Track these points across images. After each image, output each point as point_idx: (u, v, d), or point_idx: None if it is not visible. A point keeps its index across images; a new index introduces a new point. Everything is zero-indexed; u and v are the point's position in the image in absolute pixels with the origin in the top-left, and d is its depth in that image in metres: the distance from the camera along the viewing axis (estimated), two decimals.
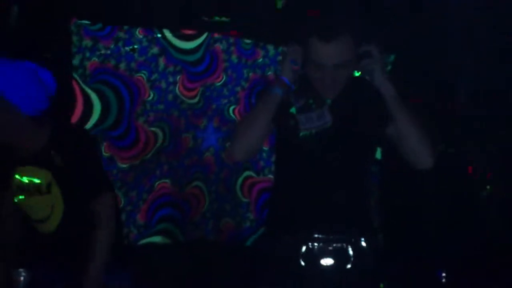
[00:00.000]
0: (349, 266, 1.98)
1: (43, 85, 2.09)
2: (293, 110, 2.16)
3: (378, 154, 3.71)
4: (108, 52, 3.46)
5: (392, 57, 3.84)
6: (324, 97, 2.17)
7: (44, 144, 2.14)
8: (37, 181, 2.16)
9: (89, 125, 3.42)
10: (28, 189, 2.17)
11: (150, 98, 3.55)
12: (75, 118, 3.38)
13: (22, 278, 1.42)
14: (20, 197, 2.18)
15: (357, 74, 2.18)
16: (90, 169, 2.22)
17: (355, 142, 2.17)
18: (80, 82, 3.39)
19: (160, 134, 3.58)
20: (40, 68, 2.12)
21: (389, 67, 3.79)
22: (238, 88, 3.68)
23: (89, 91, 3.41)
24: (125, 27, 3.49)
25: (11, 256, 2.16)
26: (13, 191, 2.20)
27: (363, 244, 2.05)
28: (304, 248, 1.98)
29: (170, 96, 3.59)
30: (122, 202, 3.49)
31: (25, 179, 2.18)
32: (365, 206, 2.18)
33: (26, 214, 2.22)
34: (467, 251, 3.43)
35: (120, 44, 3.50)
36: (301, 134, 2.14)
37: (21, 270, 1.43)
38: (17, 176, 2.18)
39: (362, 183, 2.18)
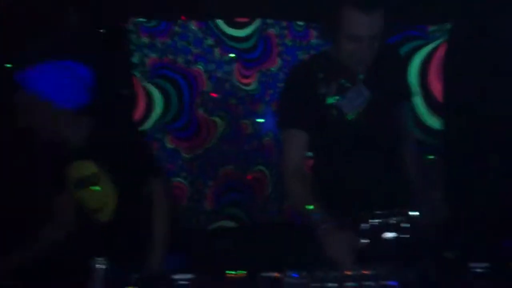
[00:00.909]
0: (408, 236, 2.00)
1: (81, 80, 2.20)
2: (330, 100, 2.16)
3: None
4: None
5: (448, 26, 3.72)
6: (357, 71, 2.17)
7: (88, 135, 2.25)
8: (86, 173, 2.27)
9: (152, 119, 3.56)
10: (80, 182, 2.29)
11: (208, 88, 3.65)
12: (138, 114, 3.52)
13: (99, 266, 1.52)
14: (77, 191, 2.31)
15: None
16: (137, 156, 2.30)
17: (391, 110, 2.21)
18: (141, 79, 3.53)
19: (220, 122, 3.67)
20: (78, 65, 2.23)
21: (446, 36, 3.70)
22: None
23: (150, 86, 3.54)
24: (179, 21, 3.58)
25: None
26: (69, 188, 2.32)
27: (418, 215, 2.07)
28: (364, 225, 1.97)
29: (227, 85, 3.67)
30: (189, 190, 3.62)
31: (76, 173, 2.29)
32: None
33: (81, 206, 2.33)
34: None
35: (176, 38, 3.60)
36: (349, 118, 2.15)
37: (100, 259, 1.54)
38: (70, 172, 2.30)
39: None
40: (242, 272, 1.74)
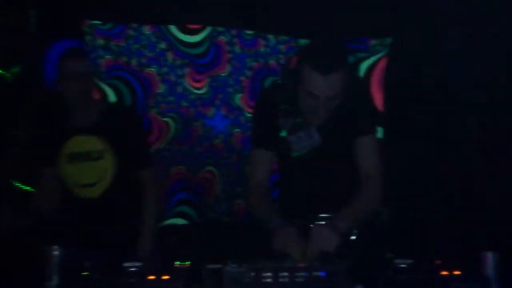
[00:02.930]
0: (353, 237, 2.18)
1: None
2: (283, 133, 2.35)
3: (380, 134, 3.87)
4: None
5: (388, 40, 3.90)
6: (312, 123, 2.34)
7: (100, 114, 2.44)
8: (88, 148, 2.42)
9: None
10: (80, 155, 2.43)
11: (161, 90, 3.78)
12: None
13: (55, 254, 1.65)
14: (70, 164, 2.43)
15: None
16: (139, 142, 2.51)
17: (343, 155, 2.37)
18: (97, 82, 3.63)
19: (172, 123, 3.81)
20: None
21: (386, 51, 3.89)
22: (243, 77, 3.87)
23: (104, 86, 3.64)
24: (134, 25, 3.70)
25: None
26: (60, 164, 2.45)
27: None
28: (312, 226, 2.16)
29: (179, 88, 3.81)
30: None
31: (77, 148, 2.43)
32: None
33: (71, 181, 2.45)
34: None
35: (130, 41, 3.72)
36: (294, 155, 2.34)
37: (55, 247, 1.66)
38: (69, 145, 2.44)
39: (355, 174, 2.39)
40: (187, 263, 1.91)
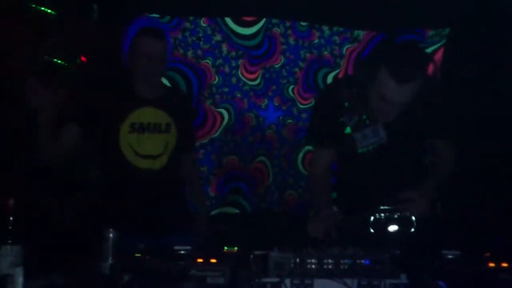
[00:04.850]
0: (412, 230, 2.17)
1: None
2: (348, 130, 2.35)
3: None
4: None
5: (446, 31, 3.84)
6: (378, 120, 2.33)
7: (164, 92, 2.55)
8: (158, 120, 2.51)
9: None
10: (146, 127, 2.52)
11: (216, 81, 3.86)
12: None
13: (111, 235, 1.74)
14: (135, 134, 2.52)
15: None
16: (191, 126, 2.61)
17: (410, 154, 2.36)
18: None
19: (225, 114, 3.88)
20: None
21: (443, 41, 3.84)
22: (296, 69, 3.90)
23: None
24: (191, 18, 3.79)
25: None
26: (122, 132, 2.50)
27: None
28: (372, 218, 2.16)
29: (233, 79, 3.88)
30: None
31: (145, 118, 2.52)
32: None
33: (131, 151, 2.51)
34: None
35: (187, 34, 3.81)
36: (359, 151, 2.34)
37: (111, 229, 1.75)
38: (135, 115, 2.53)
39: (418, 171, 2.38)
40: (235, 249, 1.97)
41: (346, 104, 2.33)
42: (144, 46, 2.49)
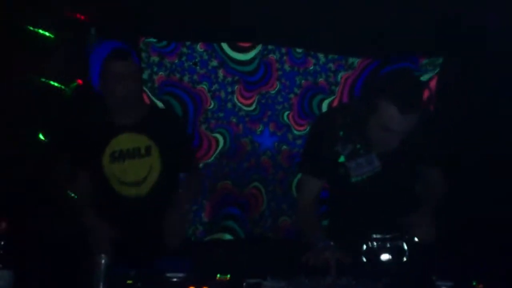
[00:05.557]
0: (404, 259, 2.19)
1: None
2: (341, 159, 2.36)
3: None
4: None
5: (440, 60, 3.87)
6: (379, 150, 2.34)
7: (145, 114, 2.52)
8: (136, 145, 2.48)
9: None
10: (126, 154, 2.49)
11: (211, 106, 3.87)
12: None
13: (103, 262, 1.73)
14: (116, 163, 2.49)
15: None
16: (183, 144, 2.56)
17: (403, 182, 2.37)
18: (150, 94, 3.76)
19: (220, 139, 3.89)
20: None
21: (436, 70, 3.86)
22: (291, 95, 3.92)
23: (157, 102, 3.76)
24: (187, 43, 3.82)
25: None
26: (104, 163, 2.49)
27: (416, 239, 2.27)
28: (364, 247, 2.18)
29: (229, 105, 3.89)
30: None
31: (124, 145, 2.49)
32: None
33: (116, 180, 2.49)
34: None
35: (183, 58, 3.83)
36: (353, 180, 2.36)
37: (102, 255, 1.74)
38: (114, 144, 2.50)
39: (410, 199, 2.39)
40: (227, 276, 1.96)
41: (341, 133, 2.34)
42: (113, 68, 2.50)
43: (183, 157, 2.63)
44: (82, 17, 3.55)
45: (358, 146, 2.33)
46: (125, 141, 2.49)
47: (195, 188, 2.62)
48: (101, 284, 1.75)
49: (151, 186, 2.47)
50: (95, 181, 2.49)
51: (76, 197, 2.60)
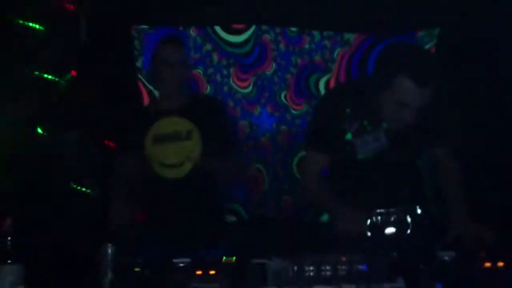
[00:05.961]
0: (408, 232, 2.19)
1: None
2: (348, 136, 2.35)
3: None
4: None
5: (437, 30, 3.81)
6: (393, 126, 2.32)
7: (189, 100, 2.57)
8: (178, 128, 2.54)
9: None
10: (167, 136, 2.55)
11: (208, 91, 3.87)
12: None
13: (110, 251, 1.75)
14: (157, 145, 2.54)
15: None
16: (225, 130, 2.62)
17: (409, 160, 2.37)
18: (144, 81, 3.75)
19: None
20: None
21: (434, 42, 3.83)
22: (288, 75, 3.90)
23: (152, 88, 3.76)
24: (180, 28, 3.80)
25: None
26: (147, 145, 2.53)
27: (419, 211, 2.28)
28: (368, 221, 2.17)
29: (225, 88, 3.88)
30: None
31: (166, 128, 2.54)
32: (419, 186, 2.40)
33: (157, 162, 2.54)
34: None
35: None
36: (359, 157, 2.35)
37: (109, 244, 1.76)
38: (156, 127, 2.55)
39: (414, 176, 2.39)
40: (233, 259, 1.98)
41: (348, 110, 2.34)
42: (164, 54, 2.55)
43: (223, 142, 2.65)
44: (71, 7, 3.53)
45: (365, 122, 2.33)
46: (167, 124, 2.56)
47: (231, 168, 2.66)
48: (109, 273, 1.77)
49: (190, 169, 2.52)
50: (138, 164, 2.56)
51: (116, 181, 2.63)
